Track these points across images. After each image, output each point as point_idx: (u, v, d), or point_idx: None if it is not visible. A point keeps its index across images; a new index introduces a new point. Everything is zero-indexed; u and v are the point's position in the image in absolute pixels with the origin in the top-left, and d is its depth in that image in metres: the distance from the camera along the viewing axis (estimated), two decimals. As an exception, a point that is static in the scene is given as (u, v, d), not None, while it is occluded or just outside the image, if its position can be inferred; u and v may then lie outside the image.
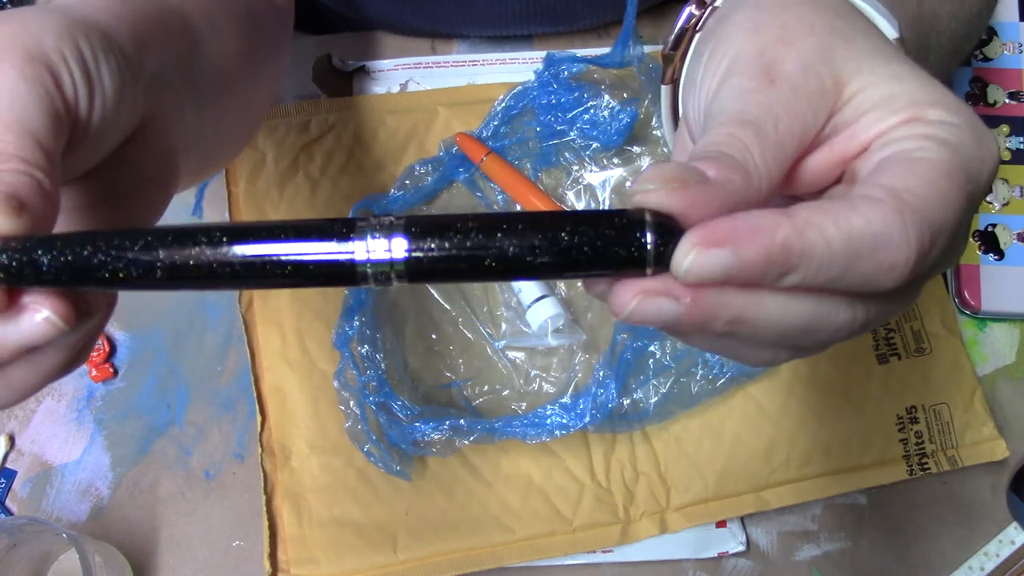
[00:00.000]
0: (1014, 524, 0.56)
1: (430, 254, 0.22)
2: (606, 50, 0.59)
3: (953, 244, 0.24)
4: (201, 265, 0.23)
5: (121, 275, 0.23)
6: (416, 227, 0.23)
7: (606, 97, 0.59)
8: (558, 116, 0.60)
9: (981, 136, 0.24)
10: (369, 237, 0.22)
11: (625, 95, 0.59)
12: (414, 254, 0.22)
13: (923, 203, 0.22)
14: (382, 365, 0.55)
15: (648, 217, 0.23)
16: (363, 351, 0.54)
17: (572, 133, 0.60)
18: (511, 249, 0.22)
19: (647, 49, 0.58)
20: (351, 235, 0.23)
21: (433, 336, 0.57)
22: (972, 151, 0.24)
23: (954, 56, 0.43)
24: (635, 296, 0.23)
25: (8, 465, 0.56)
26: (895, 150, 0.24)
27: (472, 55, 0.64)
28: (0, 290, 0.24)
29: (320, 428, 0.55)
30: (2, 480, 0.55)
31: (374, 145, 0.61)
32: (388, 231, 0.22)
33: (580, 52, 0.60)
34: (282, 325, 0.57)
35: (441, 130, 0.61)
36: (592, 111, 0.59)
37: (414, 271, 0.23)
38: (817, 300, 0.24)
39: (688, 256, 0.22)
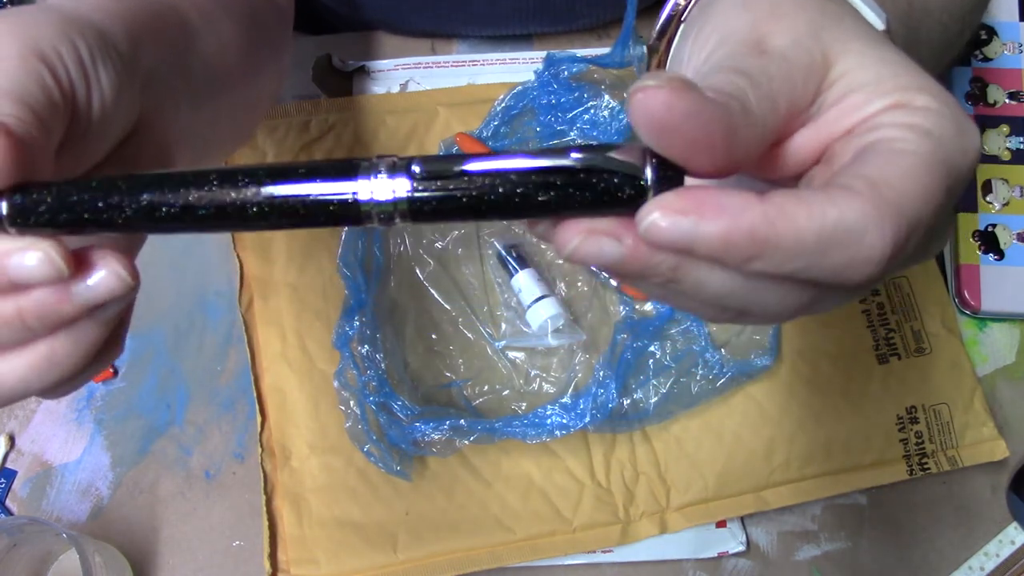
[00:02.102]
0: (1014, 524, 0.56)
1: (433, 194, 0.23)
2: (606, 50, 0.59)
3: (929, 238, 0.24)
4: (210, 205, 0.23)
5: (117, 218, 0.23)
6: (419, 167, 0.23)
7: (606, 97, 0.59)
8: (558, 116, 0.60)
9: (964, 127, 0.24)
10: (373, 177, 0.23)
11: (625, 95, 0.59)
12: (417, 194, 0.23)
13: (902, 198, 0.22)
14: (382, 365, 0.55)
15: (650, 159, 0.23)
16: (363, 351, 0.54)
17: (572, 133, 0.60)
18: (513, 189, 0.23)
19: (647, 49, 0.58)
20: (355, 174, 0.23)
21: (433, 336, 0.57)
22: (955, 143, 0.24)
23: (947, 50, 0.42)
24: (579, 234, 0.23)
25: (8, 465, 0.56)
26: (878, 137, 0.24)
27: (472, 55, 0.64)
28: (67, 252, 0.24)
29: (320, 428, 0.55)
30: (2, 480, 0.55)
31: (374, 145, 0.61)
32: (392, 170, 0.23)
33: (580, 52, 0.60)
34: (282, 325, 0.57)
35: (441, 130, 0.61)
36: (592, 111, 0.60)
37: (417, 211, 0.23)
38: (772, 284, 0.23)
39: (651, 215, 0.22)
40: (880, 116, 0.24)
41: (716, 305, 0.25)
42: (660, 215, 0.22)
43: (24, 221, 0.24)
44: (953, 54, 0.45)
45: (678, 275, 0.23)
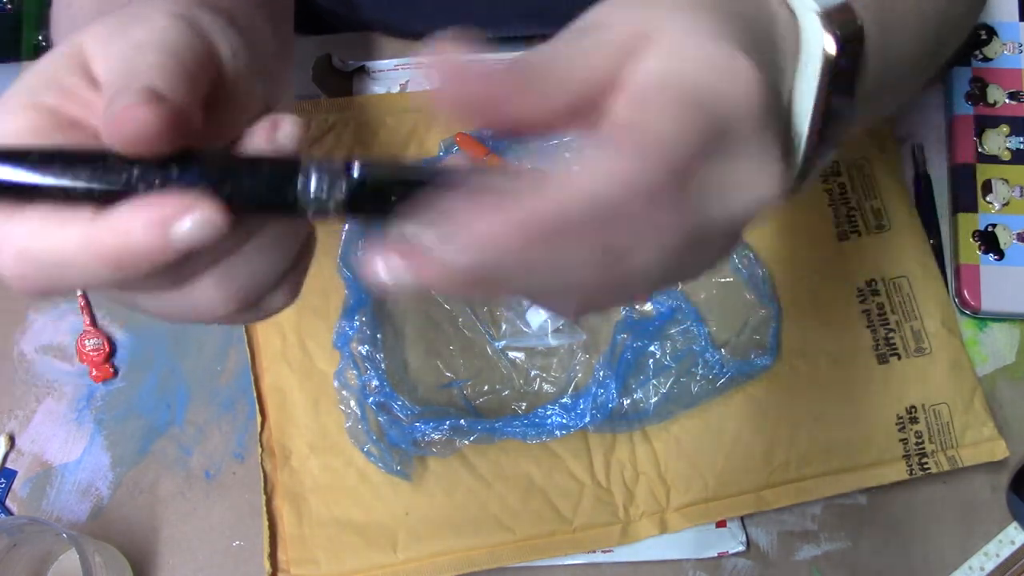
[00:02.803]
0: (1014, 524, 0.56)
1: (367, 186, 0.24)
2: (606, 50, 0.59)
3: (709, 186, 0.24)
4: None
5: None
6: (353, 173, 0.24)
7: (606, 97, 0.59)
8: (558, 116, 0.60)
9: (726, 71, 0.24)
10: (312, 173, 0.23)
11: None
12: (354, 188, 0.24)
13: (645, 137, 0.23)
14: (382, 365, 0.55)
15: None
16: (363, 351, 0.54)
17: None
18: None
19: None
20: (297, 171, 0.24)
21: (433, 336, 0.57)
22: (713, 86, 0.24)
23: (926, 58, 0.41)
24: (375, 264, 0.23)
25: (8, 465, 0.56)
26: (637, 88, 0.24)
27: (472, 56, 0.64)
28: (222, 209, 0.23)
29: (320, 428, 0.55)
30: (2, 480, 0.55)
31: (374, 145, 0.61)
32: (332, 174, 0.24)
33: (580, 52, 0.60)
34: (282, 325, 0.57)
35: (441, 130, 0.61)
36: (592, 111, 0.59)
37: (354, 200, 0.24)
38: (575, 250, 0.24)
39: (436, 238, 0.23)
40: (648, 69, 0.25)
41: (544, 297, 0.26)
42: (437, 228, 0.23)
43: None
44: (933, 64, 0.44)
45: (482, 289, 0.25)
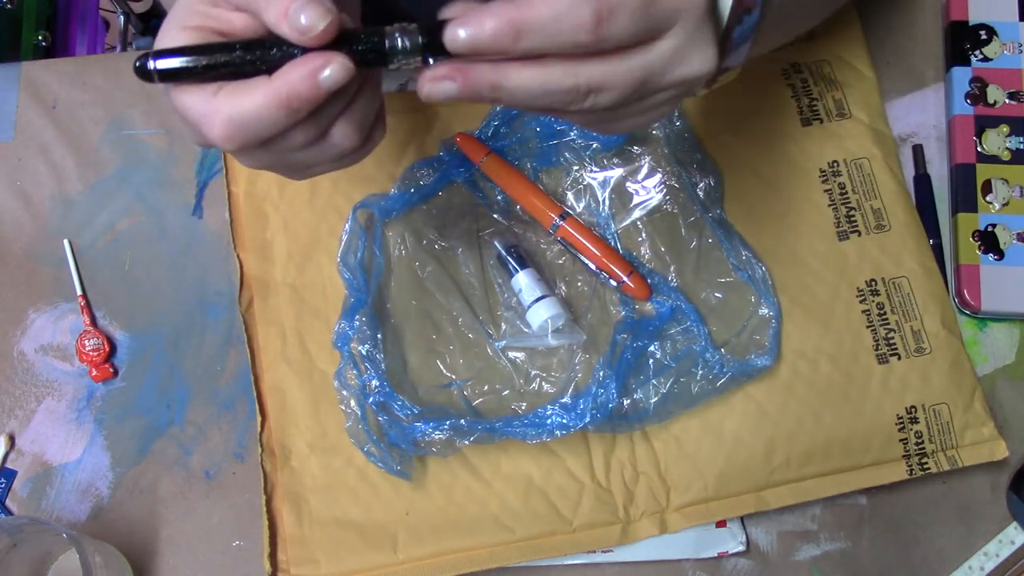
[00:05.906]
0: (1014, 524, 0.56)
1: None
2: (606, 50, 0.59)
3: (635, 31, 0.33)
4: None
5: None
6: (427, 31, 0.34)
7: (606, 97, 0.59)
8: (558, 116, 0.60)
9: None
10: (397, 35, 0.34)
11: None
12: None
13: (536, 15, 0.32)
14: (382, 365, 0.55)
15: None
16: (363, 351, 0.54)
17: (572, 133, 0.60)
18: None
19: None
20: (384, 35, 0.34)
21: (433, 336, 0.57)
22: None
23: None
24: (427, 82, 0.33)
25: (8, 465, 0.56)
26: None
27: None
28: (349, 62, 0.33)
29: (320, 428, 0.55)
30: (2, 480, 0.55)
31: (374, 145, 0.61)
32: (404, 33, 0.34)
33: (580, 52, 0.60)
34: (282, 325, 0.57)
35: (441, 130, 0.61)
36: (592, 111, 0.59)
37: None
38: (543, 67, 0.33)
39: (454, 34, 0.32)
40: None
41: (544, 107, 0.35)
42: (458, 30, 0.32)
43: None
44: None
45: (498, 94, 0.33)
